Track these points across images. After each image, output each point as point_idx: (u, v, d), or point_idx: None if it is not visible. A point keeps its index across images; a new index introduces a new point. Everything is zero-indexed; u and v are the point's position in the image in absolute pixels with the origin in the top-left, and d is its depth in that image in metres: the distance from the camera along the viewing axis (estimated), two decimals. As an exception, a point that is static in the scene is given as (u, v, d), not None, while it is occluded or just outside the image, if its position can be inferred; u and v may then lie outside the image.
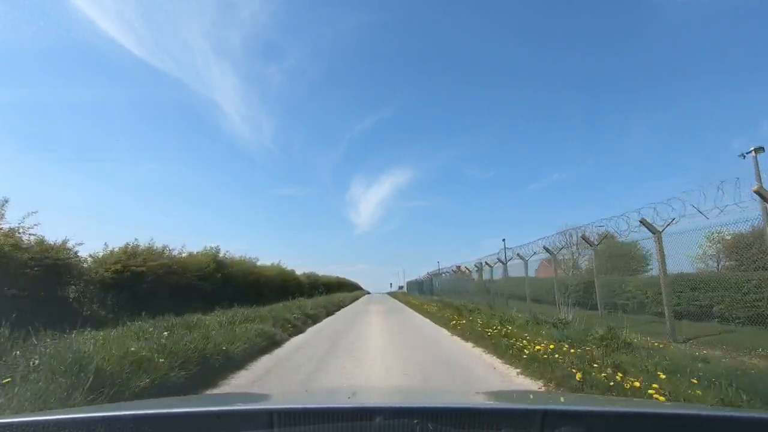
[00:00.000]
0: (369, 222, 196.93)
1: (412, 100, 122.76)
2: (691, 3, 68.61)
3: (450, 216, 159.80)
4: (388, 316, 17.77)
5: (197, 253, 16.74)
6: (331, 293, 36.86)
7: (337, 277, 59.72)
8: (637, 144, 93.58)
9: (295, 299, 19.93)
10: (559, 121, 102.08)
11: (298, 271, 36.68)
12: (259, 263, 24.68)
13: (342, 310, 21.51)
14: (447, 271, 39.64)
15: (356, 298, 39.32)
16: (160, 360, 4.84)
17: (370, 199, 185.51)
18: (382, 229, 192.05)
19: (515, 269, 20.23)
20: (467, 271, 30.91)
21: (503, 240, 47.10)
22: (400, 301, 33.81)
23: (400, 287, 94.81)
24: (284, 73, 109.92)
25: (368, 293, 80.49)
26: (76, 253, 9.56)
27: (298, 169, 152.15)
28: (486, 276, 23.73)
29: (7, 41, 43.66)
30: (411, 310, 20.90)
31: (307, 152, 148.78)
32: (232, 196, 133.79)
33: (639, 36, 77.12)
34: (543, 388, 5.05)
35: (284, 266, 29.47)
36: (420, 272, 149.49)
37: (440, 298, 30.36)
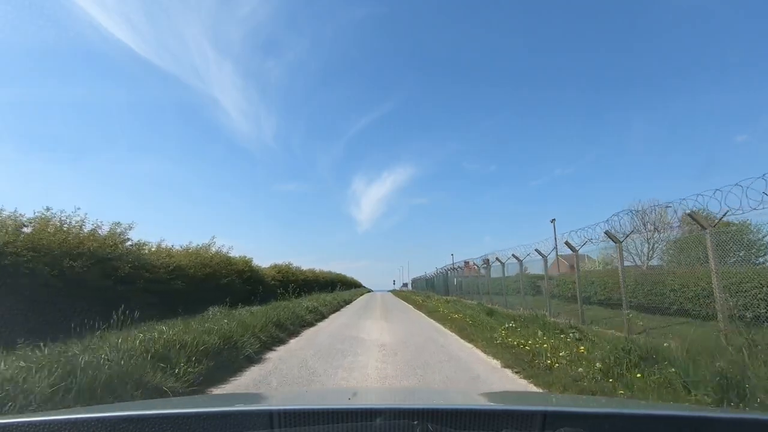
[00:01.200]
0: (370, 219, 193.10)
1: (413, 96, 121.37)
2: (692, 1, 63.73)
3: (452, 213, 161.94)
4: None
5: None
6: (316, 293, 24.60)
7: (330, 272, 47.36)
8: (638, 142, 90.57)
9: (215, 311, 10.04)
10: (559, 118, 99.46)
11: (264, 263, 24.49)
12: (149, 242, 12.36)
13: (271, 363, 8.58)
14: (457, 267, 35.49)
15: (348, 302, 26.66)
16: None
17: (372, 196, 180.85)
18: (383, 226, 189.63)
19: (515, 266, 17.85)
20: (475, 267, 28.07)
21: (552, 221, 34.64)
22: (421, 308, 20.73)
23: (405, 284, 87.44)
24: (285, 69, 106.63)
25: (370, 291, 68.86)
26: None
27: (299, 167, 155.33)
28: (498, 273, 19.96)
29: (8, 41, 41.04)
30: (499, 370, 6.83)
31: (307, 150, 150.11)
32: (232, 194, 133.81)
33: (639, 35, 73.01)
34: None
35: (225, 252, 16.98)
36: (422, 269, 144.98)
37: (481, 303, 20.04)
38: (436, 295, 36.45)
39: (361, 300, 33.23)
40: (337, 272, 56.21)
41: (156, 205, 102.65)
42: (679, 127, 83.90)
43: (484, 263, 25.24)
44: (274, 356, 7.22)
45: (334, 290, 36.65)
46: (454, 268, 37.17)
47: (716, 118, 75.16)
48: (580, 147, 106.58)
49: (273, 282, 22.37)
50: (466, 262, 33.21)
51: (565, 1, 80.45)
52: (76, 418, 1.18)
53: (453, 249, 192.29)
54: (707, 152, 71.24)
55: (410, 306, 22.91)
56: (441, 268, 45.11)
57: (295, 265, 31.45)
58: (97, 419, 1.18)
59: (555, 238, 28.35)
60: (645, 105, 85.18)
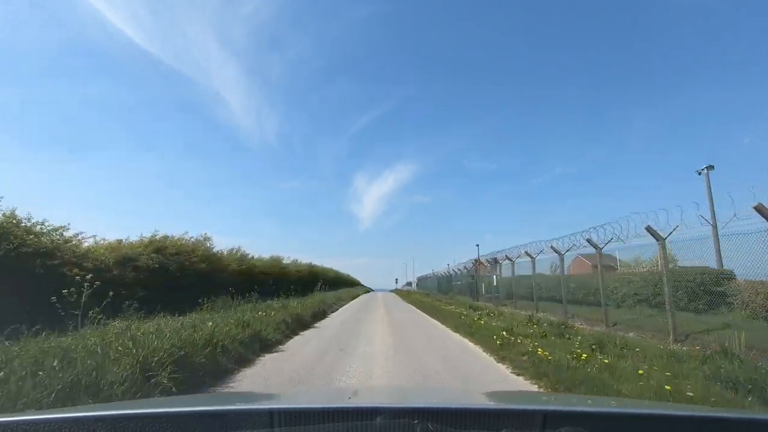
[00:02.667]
0: (372, 217, 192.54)
1: (415, 94, 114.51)
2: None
3: (453, 211, 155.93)
4: None
5: None
6: (260, 302, 10.44)
7: (312, 265, 32.79)
8: (639, 140, 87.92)
9: None
10: (560, 116, 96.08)
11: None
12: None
13: None
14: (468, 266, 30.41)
15: (314, 322, 11.61)
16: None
17: (373, 193, 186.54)
18: (384, 225, 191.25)
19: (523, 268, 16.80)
20: (486, 266, 25.56)
21: (706, 169, 20.08)
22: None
23: (408, 283, 79.61)
24: (287, 66, 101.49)
25: (368, 292, 57.41)
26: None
27: (301, 165, 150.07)
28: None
29: (13, 39, 29.31)
30: None
31: (309, 147, 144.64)
32: (233, 191, 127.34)
33: (640, 33, 69.94)
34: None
35: None
36: (423, 268, 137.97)
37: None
38: (463, 298, 25.16)
39: (346, 312, 18.40)
40: (327, 267, 41.57)
41: (157, 202, 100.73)
42: (679, 125, 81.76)
43: (593, 249, 12.61)
44: None
45: (312, 291, 22.57)
46: (483, 262, 28.14)
47: (717, 117, 73.72)
48: (581, 145, 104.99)
49: (105, 274, 8.08)
50: (477, 260, 29.22)
51: (567, 0, 77.49)
52: (75, 417, 1.14)
53: (454, 248, 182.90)
54: (708, 151, 69.96)
55: (484, 355, 7.84)
56: (457, 265, 35.45)
57: (230, 246, 17.05)
58: (97, 418, 1.15)
59: (711, 204, 15.66)
60: (646, 103, 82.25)
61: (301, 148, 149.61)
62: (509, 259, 19.38)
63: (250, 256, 18.65)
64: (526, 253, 16.42)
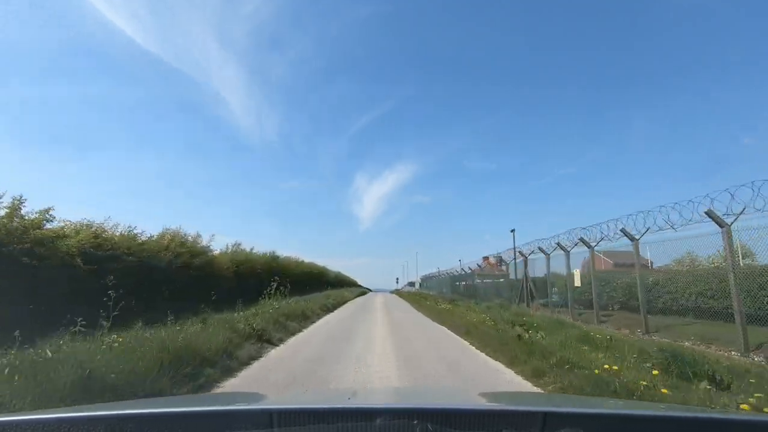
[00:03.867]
0: (372, 217, 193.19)
1: (415, 94, 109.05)
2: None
3: (453, 211, 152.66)
4: None
5: None
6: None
7: (273, 257, 21.07)
8: (639, 140, 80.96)
9: None
10: (560, 116, 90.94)
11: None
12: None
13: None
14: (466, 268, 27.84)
15: None
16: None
17: (373, 193, 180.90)
18: (384, 225, 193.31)
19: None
20: (496, 264, 23.65)
21: None
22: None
23: (410, 283, 73.21)
24: (288, 66, 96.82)
25: (365, 293, 47.18)
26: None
27: (301, 165, 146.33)
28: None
29: (16, 39, 23.92)
30: None
31: (310, 147, 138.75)
32: (233, 191, 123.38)
33: (640, 33, 61.81)
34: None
35: None
36: (424, 268, 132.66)
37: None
38: (524, 308, 15.77)
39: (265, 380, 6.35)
40: (307, 261, 29.93)
41: (157, 202, 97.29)
42: (679, 125, 78.12)
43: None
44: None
45: (260, 298, 11.43)
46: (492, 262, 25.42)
47: (717, 117, 68.88)
48: (581, 145, 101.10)
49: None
50: (486, 258, 26.42)
51: (567, 0, 69.10)
52: (75, 417, 1.12)
53: (454, 248, 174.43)
54: (708, 150, 65.23)
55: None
56: (478, 260, 28.07)
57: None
58: (96, 417, 1.13)
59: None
60: (646, 103, 79.13)
61: (301, 148, 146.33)
62: (631, 237, 10.71)
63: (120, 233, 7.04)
64: (707, 213, 8.11)
